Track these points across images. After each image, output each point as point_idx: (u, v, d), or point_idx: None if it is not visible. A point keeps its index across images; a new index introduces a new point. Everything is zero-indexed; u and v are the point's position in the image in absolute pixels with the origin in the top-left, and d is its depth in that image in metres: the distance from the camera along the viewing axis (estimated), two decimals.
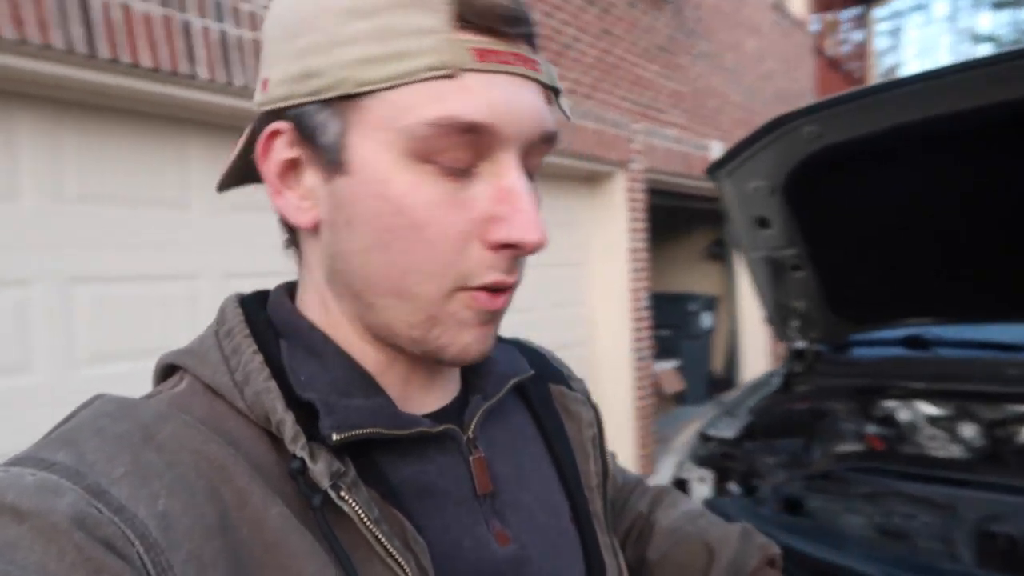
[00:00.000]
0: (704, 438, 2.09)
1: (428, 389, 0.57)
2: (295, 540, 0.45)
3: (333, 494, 0.46)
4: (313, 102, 0.49)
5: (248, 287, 0.61)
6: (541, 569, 0.57)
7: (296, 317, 0.55)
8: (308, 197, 0.51)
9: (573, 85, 4.19)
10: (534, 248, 0.49)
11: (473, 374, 0.60)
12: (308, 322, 0.55)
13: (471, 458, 0.56)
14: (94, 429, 0.45)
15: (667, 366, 6.45)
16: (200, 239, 2.52)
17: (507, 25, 0.48)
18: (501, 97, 0.47)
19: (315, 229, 0.52)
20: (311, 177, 0.51)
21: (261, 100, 0.52)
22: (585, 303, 4.78)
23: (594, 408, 0.72)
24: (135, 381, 1.60)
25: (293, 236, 0.57)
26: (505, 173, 0.49)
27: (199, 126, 2.52)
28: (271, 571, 0.44)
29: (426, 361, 0.54)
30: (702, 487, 1.94)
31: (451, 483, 0.55)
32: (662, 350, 6.40)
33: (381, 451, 0.51)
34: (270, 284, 0.61)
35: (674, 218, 7.15)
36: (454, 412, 0.58)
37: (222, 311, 0.55)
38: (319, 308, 0.55)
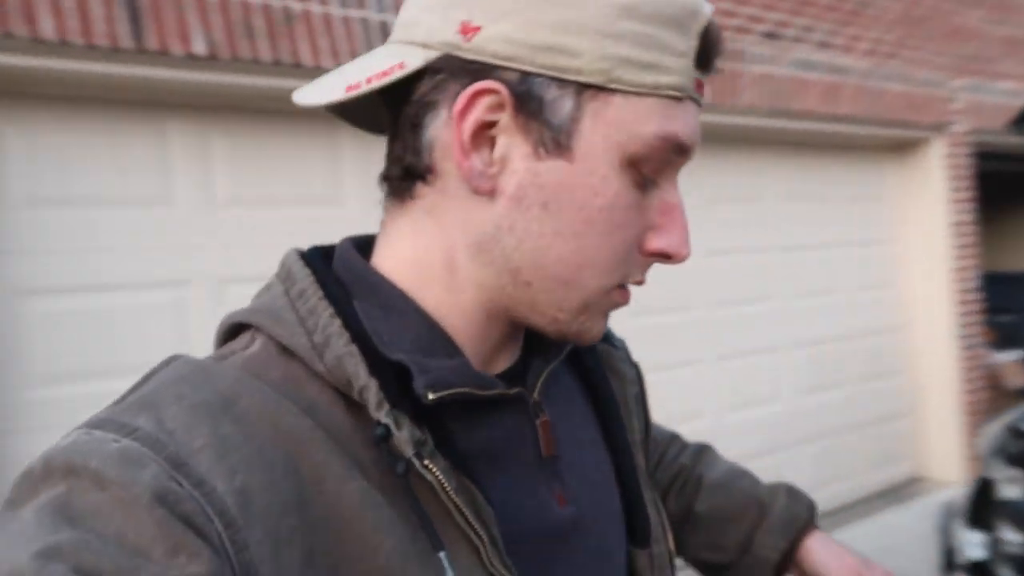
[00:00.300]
0: (1016, 434, 1.81)
1: (500, 351, 0.57)
2: (373, 514, 0.45)
3: (417, 462, 0.47)
4: (552, 77, 0.48)
5: None
6: (593, 529, 0.59)
7: (372, 274, 0.54)
8: (495, 164, 0.50)
9: (872, 45, 3.82)
10: (683, 260, 0.53)
11: (534, 336, 0.59)
12: (386, 280, 0.54)
13: (538, 421, 0.57)
14: (174, 395, 0.45)
15: (1009, 357, 5.55)
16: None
17: (713, 64, 0.52)
18: (696, 126, 0.52)
19: (489, 196, 0.51)
20: (510, 147, 0.50)
21: (464, 47, 0.49)
22: (897, 284, 4.33)
23: (635, 366, 0.73)
24: None
25: (410, 185, 0.53)
26: (671, 189, 0.53)
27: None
28: (349, 546, 0.45)
29: (511, 325, 0.56)
30: (1012, 489, 1.69)
31: (517, 446, 0.56)
32: (1002, 338, 5.52)
33: (453, 415, 0.51)
34: None
35: (1014, 185, 6.11)
36: (518, 374, 0.58)
37: (287, 270, 0.53)
38: (436, 271, 0.53)
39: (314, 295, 0.51)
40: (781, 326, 3.77)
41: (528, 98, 0.48)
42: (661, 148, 0.49)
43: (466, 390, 0.50)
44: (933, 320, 4.25)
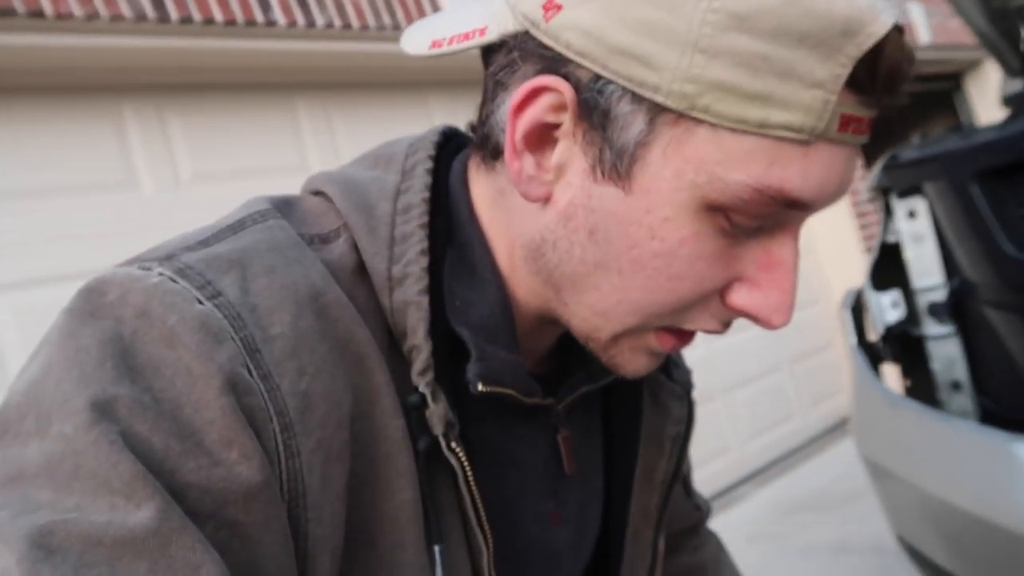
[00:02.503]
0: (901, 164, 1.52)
1: (541, 347, 0.54)
2: (404, 460, 0.44)
3: (443, 443, 0.45)
4: (624, 87, 0.41)
5: None
6: (576, 554, 0.57)
7: (474, 226, 0.50)
8: (551, 171, 0.45)
9: None
10: (774, 328, 0.46)
11: (581, 348, 0.52)
12: (485, 240, 0.50)
13: (560, 435, 0.54)
14: (266, 266, 0.42)
15: None
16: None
17: (891, 93, 0.41)
18: (833, 175, 0.42)
19: (542, 203, 0.46)
20: (568, 156, 0.44)
21: (542, 26, 0.43)
22: None
23: (690, 404, 0.64)
24: None
25: (494, 153, 0.49)
26: (785, 242, 0.44)
27: (438, 86, 2.72)
28: (376, 481, 0.43)
29: (562, 329, 0.52)
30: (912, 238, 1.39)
31: (533, 456, 0.53)
32: None
33: (486, 406, 0.49)
34: None
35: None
36: (552, 380, 0.54)
37: (412, 163, 0.50)
38: (502, 249, 0.50)
39: (417, 219, 0.47)
40: None
41: (593, 106, 0.42)
42: (759, 200, 0.41)
43: (512, 392, 0.48)
44: (840, 243, 4.08)
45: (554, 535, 0.55)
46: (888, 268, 1.43)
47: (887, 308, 1.36)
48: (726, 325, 0.47)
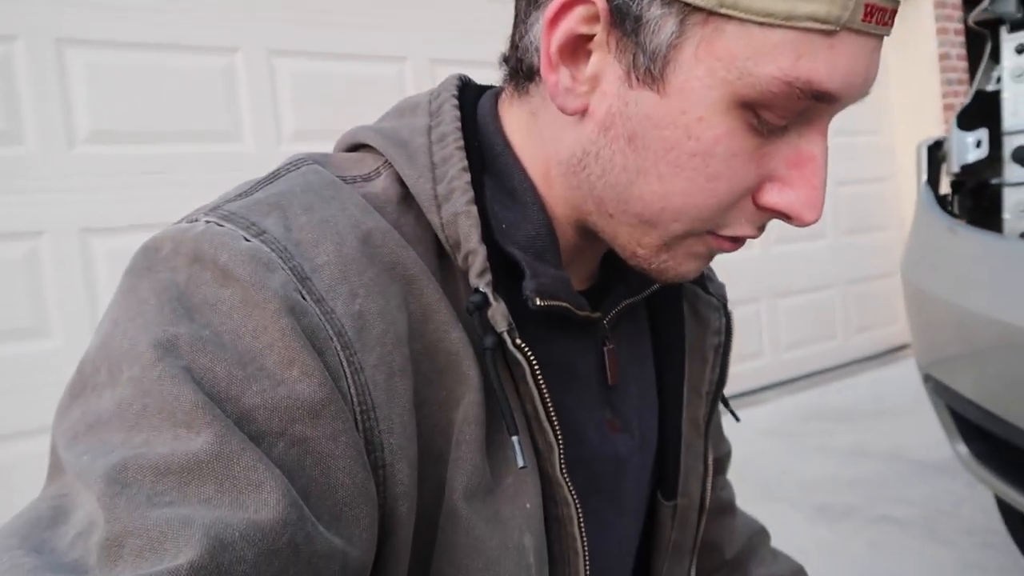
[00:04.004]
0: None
1: (584, 265, 0.56)
2: (466, 368, 0.45)
3: (508, 340, 0.45)
4: None
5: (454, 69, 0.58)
6: (640, 461, 0.59)
7: (509, 154, 0.51)
8: (585, 83, 0.46)
9: None
10: (807, 224, 0.47)
11: (621, 263, 0.54)
12: (521, 165, 0.51)
13: (606, 348, 0.56)
14: (303, 205, 0.44)
15: None
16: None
17: None
18: (859, 67, 0.42)
19: (579, 116, 0.47)
20: (603, 66, 0.45)
21: None
22: (883, 131, 3.93)
23: (727, 315, 0.66)
24: None
25: (522, 80, 0.51)
26: (814, 139, 0.45)
27: None
28: (436, 391, 0.45)
29: (602, 247, 0.54)
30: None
31: (585, 368, 0.55)
32: None
33: (539, 324, 0.50)
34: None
35: None
36: (595, 296, 0.55)
37: (439, 104, 0.52)
38: (538, 170, 0.51)
39: (454, 143, 0.49)
40: None
41: (625, 13, 0.43)
42: (788, 93, 0.41)
43: (567, 305, 0.50)
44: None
45: (615, 442, 0.56)
46: (979, 113, 1.32)
47: (970, 147, 1.26)
48: (760, 229, 0.49)
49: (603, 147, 0.47)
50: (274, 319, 0.38)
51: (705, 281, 0.66)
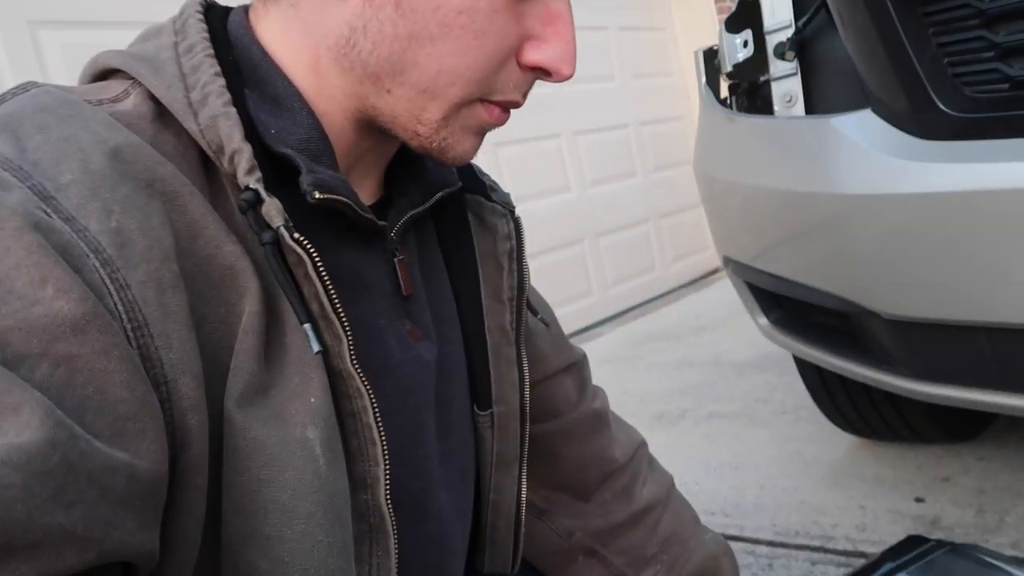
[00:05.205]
0: None
1: (365, 180, 0.57)
2: (244, 279, 0.44)
3: (287, 234, 0.44)
4: None
5: None
6: (443, 369, 0.60)
7: (267, 62, 0.50)
8: None
9: None
10: (564, 79, 0.51)
11: (402, 177, 0.59)
12: (282, 71, 0.50)
13: (396, 259, 0.57)
14: (36, 125, 0.42)
15: None
16: None
17: None
18: None
19: None
20: None
21: None
22: (674, 73, 4.19)
23: (515, 220, 0.67)
24: None
25: None
26: (558, 1, 0.50)
27: None
28: (214, 308, 0.44)
29: (382, 152, 0.55)
30: None
31: (377, 278, 0.56)
32: None
33: (321, 228, 0.49)
34: None
35: None
36: (379, 211, 0.56)
37: (183, 21, 0.50)
38: (305, 67, 0.51)
39: (203, 52, 0.48)
40: (561, 113, 3.49)
41: None
42: None
43: (347, 200, 0.49)
44: None
45: (418, 348, 0.58)
46: (744, 17, 1.44)
47: (738, 47, 1.38)
48: (524, 96, 0.53)
49: (370, 19, 0.47)
50: (16, 237, 0.36)
51: (487, 191, 0.68)
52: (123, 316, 0.39)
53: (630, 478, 0.81)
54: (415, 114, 0.50)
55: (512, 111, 0.54)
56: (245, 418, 0.44)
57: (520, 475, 0.69)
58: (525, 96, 0.53)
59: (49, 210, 0.38)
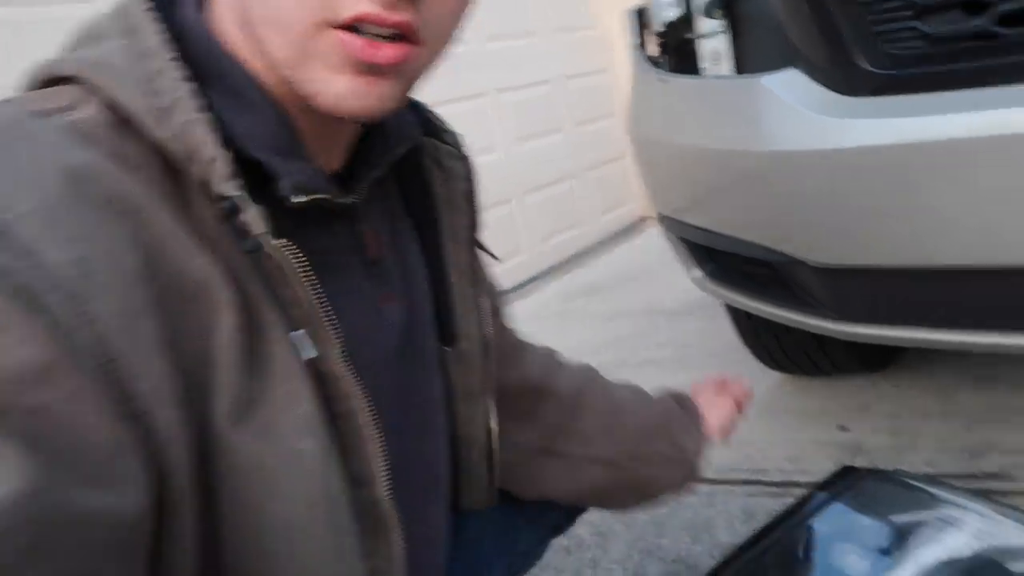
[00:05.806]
0: None
1: (327, 151, 0.54)
2: (217, 292, 0.43)
3: (269, 240, 0.44)
4: None
5: None
6: (417, 328, 0.62)
7: (222, 54, 0.48)
8: None
9: None
10: None
11: (362, 140, 0.57)
12: (238, 62, 0.48)
13: (364, 227, 0.57)
14: None
15: None
16: None
17: None
18: None
19: None
20: None
21: None
22: (597, 26, 4.20)
23: (466, 161, 0.68)
24: None
25: None
26: None
27: None
28: (189, 322, 0.42)
29: (326, 119, 0.50)
30: None
31: (347, 250, 0.56)
32: None
33: (296, 221, 0.49)
34: None
35: None
36: (343, 178, 0.56)
37: (130, 23, 0.46)
38: (251, 51, 0.48)
39: (162, 56, 0.45)
40: (484, 72, 3.46)
41: None
42: None
43: (327, 196, 0.50)
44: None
45: (394, 312, 0.59)
46: None
47: (666, 6, 1.41)
48: (386, 5, 0.44)
49: None
50: None
51: (441, 134, 0.67)
52: (92, 352, 0.37)
53: (549, 380, 0.88)
54: (281, 55, 0.46)
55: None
56: (238, 435, 0.43)
57: (488, 406, 0.71)
58: (395, 9, 0.44)
59: (3, 247, 0.36)
